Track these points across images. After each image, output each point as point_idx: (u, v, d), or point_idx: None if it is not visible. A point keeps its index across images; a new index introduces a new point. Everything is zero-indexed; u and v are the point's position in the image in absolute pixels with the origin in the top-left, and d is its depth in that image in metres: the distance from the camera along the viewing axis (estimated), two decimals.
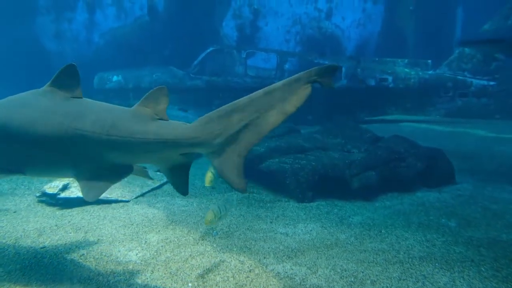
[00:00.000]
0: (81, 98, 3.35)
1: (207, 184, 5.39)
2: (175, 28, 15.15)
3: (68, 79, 3.32)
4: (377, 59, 12.47)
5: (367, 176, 6.09)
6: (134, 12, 16.42)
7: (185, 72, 12.14)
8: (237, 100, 3.11)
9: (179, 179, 3.30)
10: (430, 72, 12.04)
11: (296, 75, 3.06)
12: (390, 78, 11.89)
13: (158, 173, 6.92)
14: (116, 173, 3.24)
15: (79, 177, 3.16)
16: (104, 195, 5.67)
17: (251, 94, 3.10)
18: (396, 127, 11.15)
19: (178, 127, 3.17)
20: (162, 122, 3.21)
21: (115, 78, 12.25)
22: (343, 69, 11.81)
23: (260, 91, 3.09)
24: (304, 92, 3.07)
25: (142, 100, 3.28)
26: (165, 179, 6.63)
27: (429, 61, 12.15)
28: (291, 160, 6.45)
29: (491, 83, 11.66)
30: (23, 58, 14.01)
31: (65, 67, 3.31)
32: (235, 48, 14.46)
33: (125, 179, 6.61)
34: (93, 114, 3.21)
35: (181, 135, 3.10)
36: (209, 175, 5.35)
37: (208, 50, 12.13)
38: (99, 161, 3.18)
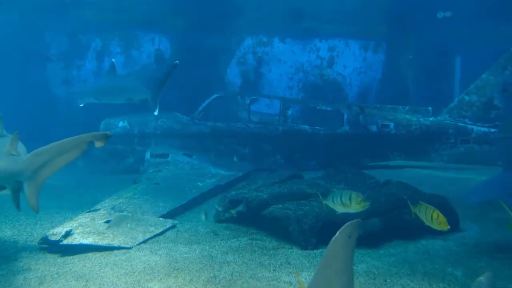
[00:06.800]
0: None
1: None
2: (181, 75, 15.56)
3: None
4: (378, 105, 12.70)
5: (371, 223, 6.04)
6: (142, 60, 16.96)
7: (190, 118, 12.33)
8: (44, 146, 4.47)
9: (16, 198, 4.78)
10: (431, 118, 12.21)
11: (80, 136, 4.39)
12: (392, 125, 12.05)
13: (161, 219, 6.90)
14: None
15: None
16: (106, 242, 5.67)
17: (52, 144, 4.44)
18: (399, 172, 11.14)
19: (15, 162, 4.52)
20: (10, 157, 4.56)
21: (121, 123, 12.43)
22: (345, 116, 12.00)
23: (58, 142, 4.44)
24: (82, 148, 4.43)
25: (10, 141, 4.62)
26: (168, 225, 6.60)
27: (430, 108, 12.36)
28: (295, 206, 6.43)
29: (492, 130, 11.78)
30: (31, 102, 14.35)
31: None
32: (239, 94, 14.74)
33: (128, 225, 6.56)
34: None
35: (13, 167, 4.48)
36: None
37: (213, 97, 12.39)
38: None
